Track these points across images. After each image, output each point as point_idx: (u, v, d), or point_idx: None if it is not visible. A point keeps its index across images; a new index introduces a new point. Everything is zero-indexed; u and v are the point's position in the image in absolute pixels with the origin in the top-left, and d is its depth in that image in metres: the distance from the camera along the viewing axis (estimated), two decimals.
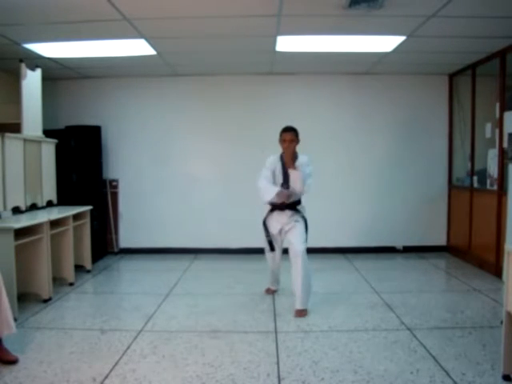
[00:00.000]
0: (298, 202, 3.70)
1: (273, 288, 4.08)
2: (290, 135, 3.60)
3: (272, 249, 3.75)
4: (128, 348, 2.91)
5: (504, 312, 2.40)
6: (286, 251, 3.73)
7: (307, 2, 3.29)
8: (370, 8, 3.30)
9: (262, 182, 3.62)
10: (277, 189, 3.54)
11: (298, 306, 3.50)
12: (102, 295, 4.26)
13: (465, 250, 5.35)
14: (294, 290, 3.56)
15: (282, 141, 3.63)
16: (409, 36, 4.10)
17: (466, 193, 5.34)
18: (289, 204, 3.65)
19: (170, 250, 5.87)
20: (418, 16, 3.60)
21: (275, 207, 3.69)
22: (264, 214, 3.77)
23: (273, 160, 3.70)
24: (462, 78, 5.56)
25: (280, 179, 3.65)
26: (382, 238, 5.86)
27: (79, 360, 2.72)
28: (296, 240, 3.56)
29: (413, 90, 5.76)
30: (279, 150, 3.68)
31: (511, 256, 2.36)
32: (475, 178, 5.16)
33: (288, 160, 3.53)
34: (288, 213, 3.65)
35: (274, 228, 3.71)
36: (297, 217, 3.65)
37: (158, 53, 4.65)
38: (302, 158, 3.63)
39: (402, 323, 3.30)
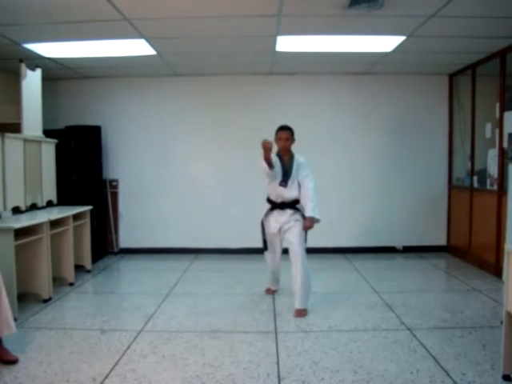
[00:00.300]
0: (298, 201, 3.65)
1: (273, 288, 4.07)
2: (285, 134, 3.60)
3: (265, 248, 3.79)
4: (128, 348, 2.91)
5: (504, 312, 2.40)
6: (285, 251, 3.73)
7: (307, 2, 3.29)
8: (370, 8, 3.30)
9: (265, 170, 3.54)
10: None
11: (298, 306, 3.50)
12: (102, 295, 4.26)
13: (465, 250, 5.35)
14: (293, 290, 3.56)
15: (277, 139, 3.62)
16: (409, 36, 4.10)
17: (466, 193, 5.34)
18: (289, 203, 3.63)
19: (170, 250, 5.87)
20: (418, 16, 3.60)
21: (275, 206, 3.67)
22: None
23: (273, 156, 3.56)
24: (462, 78, 5.57)
25: (280, 176, 3.61)
26: (381, 238, 5.86)
27: (79, 360, 2.72)
28: (295, 240, 3.56)
29: (413, 90, 5.77)
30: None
31: (511, 256, 2.36)
32: (475, 178, 5.16)
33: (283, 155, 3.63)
34: (288, 212, 3.63)
35: (273, 227, 3.68)
36: (297, 216, 3.62)
37: (158, 53, 4.65)
38: (299, 158, 3.65)
39: (402, 323, 3.31)
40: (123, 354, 2.80)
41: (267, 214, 3.72)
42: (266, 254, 3.87)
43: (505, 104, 4.54)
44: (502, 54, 4.57)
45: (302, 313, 3.48)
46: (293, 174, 3.61)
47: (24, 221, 3.76)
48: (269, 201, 3.73)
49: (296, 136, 3.66)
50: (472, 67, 5.19)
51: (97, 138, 5.63)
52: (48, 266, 3.92)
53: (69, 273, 4.44)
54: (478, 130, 5.15)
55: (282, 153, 3.64)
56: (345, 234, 5.84)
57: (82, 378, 2.48)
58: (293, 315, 3.47)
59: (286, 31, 3.99)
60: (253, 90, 5.77)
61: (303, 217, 3.63)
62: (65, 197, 5.15)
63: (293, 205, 3.64)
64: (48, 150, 4.76)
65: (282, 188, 3.61)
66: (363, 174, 5.82)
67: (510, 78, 4.57)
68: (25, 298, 3.82)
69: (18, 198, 4.13)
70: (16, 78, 4.27)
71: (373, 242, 5.85)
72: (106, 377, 2.50)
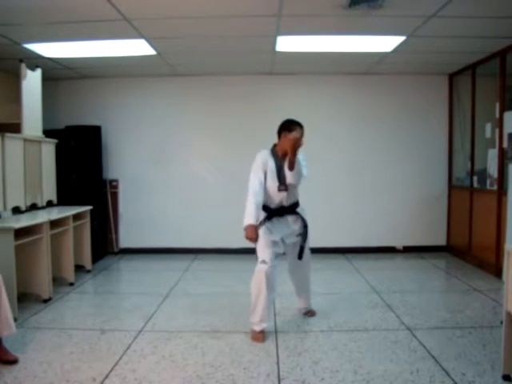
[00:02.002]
0: (297, 205, 3.23)
1: (265, 324, 3.05)
2: (301, 132, 3.02)
3: (262, 255, 3.05)
4: (128, 348, 2.91)
5: (504, 312, 2.41)
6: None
7: (307, 2, 3.29)
8: (370, 8, 3.30)
9: (249, 199, 2.98)
10: (252, 220, 2.93)
11: (312, 307, 3.53)
12: (102, 295, 4.26)
13: (465, 250, 5.35)
14: (300, 293, 3.47)
15: (288, 136, 3.00)
16: (409, 36, 4.10)
17: (466, 193, 5.34)
18: (288, 207, 3.17)
19: (170, 250, 5.87)
20: (418, 16, 3.60)
21: (272, 213, 3.13)
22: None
23: (264, 157, 3.08)
24: (462, 78, 5.57)
25: (275, 181, 3.08)
26: (381, 238, 5.86)
27: (79, 360, 2.72)
28: (305, 257, 3.24)
29: (413, 89, 5.76)
30: None
31: (511, 256, 2.37)
32: (475, 178, 5.16)
33: (291, 159, 2.96)
34: (289, 219, 3.16)
35: (274, 236, 3.11)
36: (299, 224, 3.19)
37: (158, 53, 4.65)
38: (299, 155, 3.05)
39: (402, 323, 3.31)
40: (123, 354, 2.80)
41: (262, 224, 3.09)
42: (262, 269, 3.00)
43: (505, 104, 4.54)
44: (502, 54, 4.57)
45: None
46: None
47: (24, 221, 3.76)
48: (264, 208, 3.12)
49: None
50: (472, 67, 5.19)
51: (97, 138, 5.63)
52: (48, 265, 3.92)
53: (69, 273, 4.44)
54: (478, 130, 5.15)
55: (282, 153, 3.08)
56: (345, 234, 5.84)
57: (81, 378, 2.48)
58: (308, 315, 3.47)
59: (286, 31, 3.99)
60: (253, 90, 5.77)
61: (305, 224, 3.21)
62: (65, 197, 5.15)
63: (293, 209, 3.19)
64: (48, 150, 4.76)
65: (282, 193, 3.10)
66: (363, 174, 5.82)
67: (510, 78, 4.56)
68: (25, 298, 3.82)
69: (18, 198, 4.13)
70: (16, 78, 4.26)
71: (373, 242, 5.85)
72: (106, 377, 2.50)
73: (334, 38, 4.23)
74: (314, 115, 5.72)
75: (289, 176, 3.02)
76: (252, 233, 2.94)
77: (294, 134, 2.98)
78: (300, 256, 3.20)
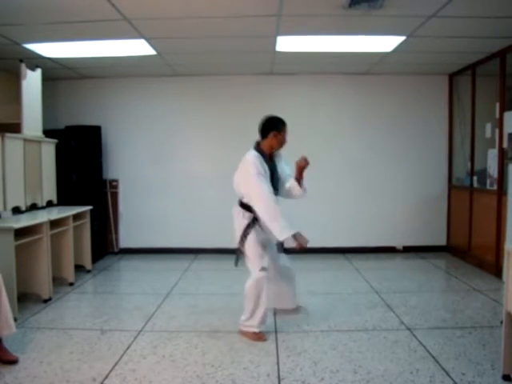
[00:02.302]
0: None
1: (263, 326, 3.08)
2: (286, 130, 3.08)
3: (261, 262, 2.95)
4: (128, 348, 2.91)
5: (504, 312, 2.41)
6: None
7: (307, 2, 3.30)
8: (370, 8, 3.30)
9: (274, 207, 2.81)
10: (293, 227, 2.79)
11: (307, 306, 3.43)
12: (101, 295, 4.26)
13: (465, 250, 5.35)
14: (290, 291, 3.32)
15: (282, 136, 3.05)
16: (409, 36, 4.10)
17: (465, 193, 5.34)
18: None
19: (170, 250, 5.87)
20: (418, 16, 3.60)
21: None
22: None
23: (259, 159, 2.96)
24: (462, 78, 5.57)
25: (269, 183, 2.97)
26: (381, 238, 5.86)
27: (79, 360, 2.72)
28: (289, 260, 3.24)
29: (413, 90, 5.77)
30: None
31: (511, 256, 2.37)
32: (475, 178, 5.17)
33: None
34: None
35: (266, 237, 3.02)
36: None
37: (158, 53, 4.65)
38: (278, 154, 3.18)
39: (402, 323, 3.30)
40: (123, 354, 2.80)
41: (252, 226, 2.98)
42: (263, 276, 2.92)
43: (505, 104, 4.54)
44: (502, 54, 4.57)
45: None
46: (278, 176, 3.12)
47: (24, 221, 3.76)
48: (250, 209, 2.97)
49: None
50: (472, 67, 5.19)
51: (97, 138, 5.64)
52: (48, 265, 3.92)
53: (69, 273, 4.44)
54: (478, 130, 5.15)
55: (268, 152, 3.08)
56: (345, 233, 5.84)
57: (81, 378, 2.48)
58: (302, 312, 3.35)
59: (286, 31, 3.99)
60: (253, 90, 5.77)
61: None
62: (65, 197, 5.15)
63: None
64: (48, 150, 4.76)
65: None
66: (363, 174, 5.82)
67: (510, 78, 4.57)
68: (25, 298, 3.82)
69: (18, 198, 4.13)
70: (16, 78, 4.26)
71: (373, 242, 5.85)
72: (106, 377, 2.50)
73: (334, 38, 4.23)
74: (314, 115, 5.73)
75: (297, 192, 3.08)
76: (305, 238, 2.84)
77: (305, 158, 3.00)
78: (282, 249, 3.16)
